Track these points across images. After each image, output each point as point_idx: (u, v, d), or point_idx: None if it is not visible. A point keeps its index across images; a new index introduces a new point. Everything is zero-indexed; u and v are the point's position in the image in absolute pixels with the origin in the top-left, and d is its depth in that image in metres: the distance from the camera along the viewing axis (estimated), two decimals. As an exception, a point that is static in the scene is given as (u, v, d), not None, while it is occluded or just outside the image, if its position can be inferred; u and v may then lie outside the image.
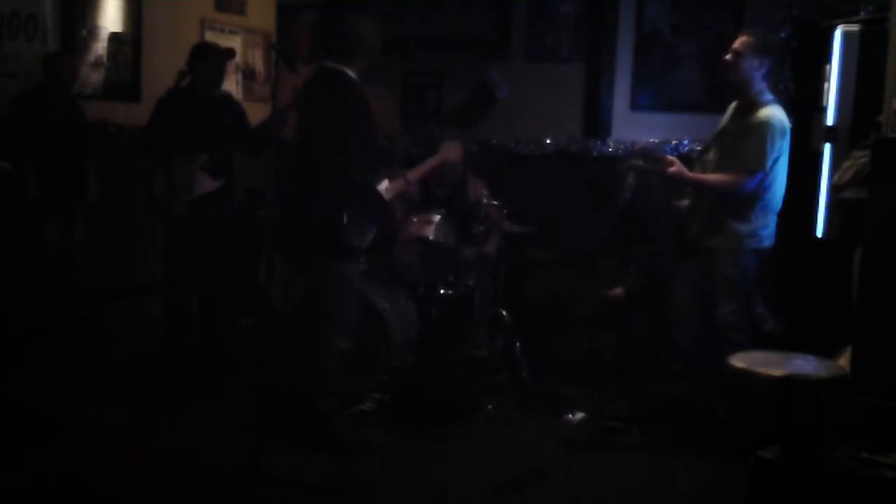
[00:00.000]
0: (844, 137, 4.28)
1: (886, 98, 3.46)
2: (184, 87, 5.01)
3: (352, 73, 4.13)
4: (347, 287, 4.14)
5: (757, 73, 4.27)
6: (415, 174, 4.46)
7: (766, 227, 4.33)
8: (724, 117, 4.46)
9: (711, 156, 4.42)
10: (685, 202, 4.52)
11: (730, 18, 5.69)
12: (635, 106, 5.95)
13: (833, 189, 4.03)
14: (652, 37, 5.89)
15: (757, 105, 4.26)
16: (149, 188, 4.96)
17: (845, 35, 4.32)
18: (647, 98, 5.90)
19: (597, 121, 6.02)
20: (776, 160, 4.24)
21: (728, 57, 4.28)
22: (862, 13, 4.64)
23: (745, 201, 4.26)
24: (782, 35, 5.49)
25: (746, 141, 4.20)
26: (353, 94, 4.05)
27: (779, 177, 4.30)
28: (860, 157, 3.68)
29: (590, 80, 6.04)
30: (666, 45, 5.82)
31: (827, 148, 4.36)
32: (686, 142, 5.51)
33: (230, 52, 5.21)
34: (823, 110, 4.48)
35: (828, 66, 4.48)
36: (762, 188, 4.26)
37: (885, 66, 3.47)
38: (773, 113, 4.24)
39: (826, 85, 4.48)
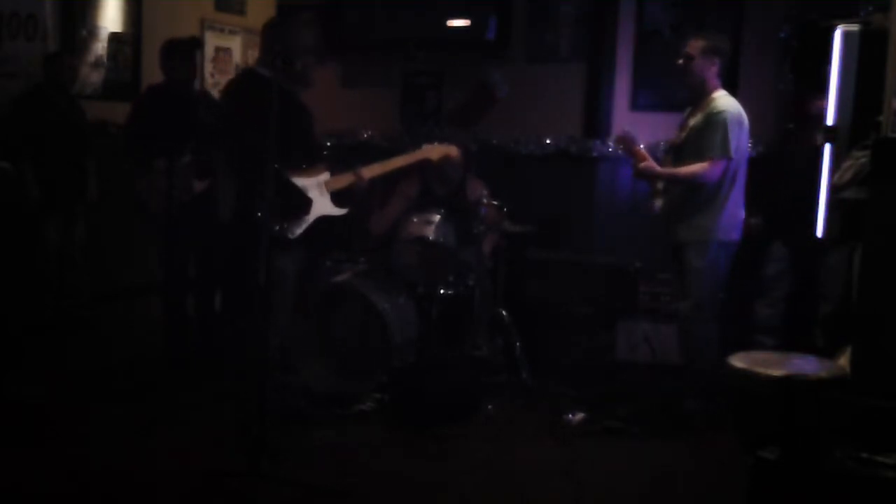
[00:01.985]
0: (844, 137, 4.28)
1: (886, 98, 3.46)
2: (160, 85, 5.02)
3: (266, 73, 4.12)
4: (279, 282, 4.13)
5: (709, 73, 4.46)
6: (371, 171, 4.50)
7: (732, 219, 4.45)
8: (685, 118, 4.61)
9: (675, 153, 4.56)
10: (658, 203, 4.57)
11: (730, 18, 5.69)
12: (635, 106, 5.95)
13: (833, 189, 4.03)
14: (652, 37, 5.89)
15: (712, 99, 4.45)
16: (136, 190, 4.97)
17: (845, 35, 4.32)
18: (647, 98, 5.90)
19: (597, 121, 6.01)
20: (737, 150, 4.40)
21: (680, 61, 4.49)
22: (862, 13, 4.64)
23: (713, 193, 4.39)
24: (782, 35, 5.50)
25: (708, 132, 4.37)
26: (263, 94, 3.94)
27: (742, 169, 4.46)
28: (860, 157, 3.68)
29: (590, 80, 6.04)
30: (666, 45, 5.81)
31: (827, 148, 4.36)
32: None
33: (194, 42, 5.20)
34: (823, 110, 4.48)
35: (827, 66, 4.49)
36: (726, 179, 4.41)
37: (886, 66, 3.47)
38: (729, 103, 4.43)
39: (826, 85, 4.48)
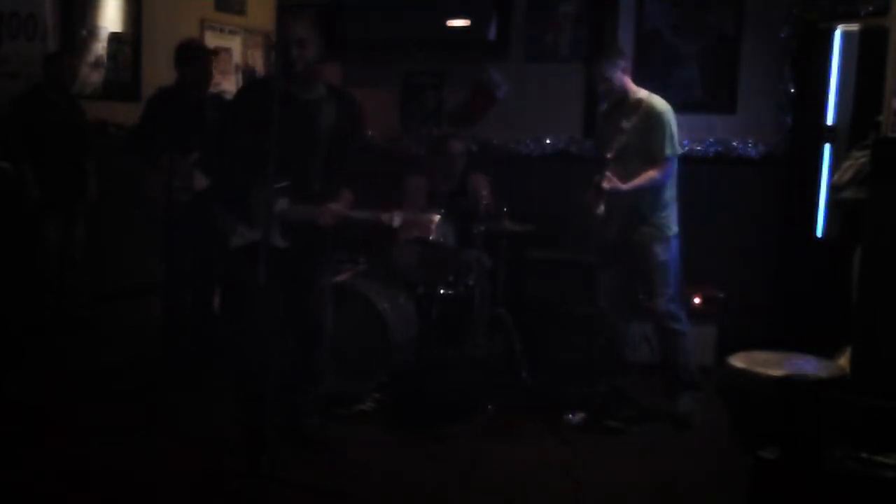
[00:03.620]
0: (844, 137, 4.29)
1: (886, 98, 3.47)
2: (172, 86, 5.03)
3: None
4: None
5: (625, 75, 4.54)
6: (336, 213, 3.83)
7: (675, 213, 4.58)
8: (607, 119, 4.68)
9: (617, 158, 4.56)
10: (601, 209, 4.58)
11: (730, 18, 5.69)
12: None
13: (833, 189, 4.04)
14: (652, 37, 5.89)
15: (641, 101, 4.50)
16: (142, 188, 4.96)
17: (845, 35, 4.33)
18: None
19: (597, 121, 6.00)
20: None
21: (602, 87, 4.58)
22: (861, 13, 4.65)
23: (664, 191, 4.49)
24: (782, 35, 5.50)
25: (653, 134, 4.43)
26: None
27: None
28: (860, 157, 3.68)
29: (589, 80, 6.02)
30: (666, 45, 5.81)
31: (827, 148, 4.37)
32: (686, 142, 5.50)
33: (215, 52, 5.26)
34: (823, 110, 4.49)
35: (828, 66, 4.50)
36: (675, 175, 4.53)
37: (886, 66, 3.47)
38: (661, 102, 4.48)
39: (826, 85, 4.50)
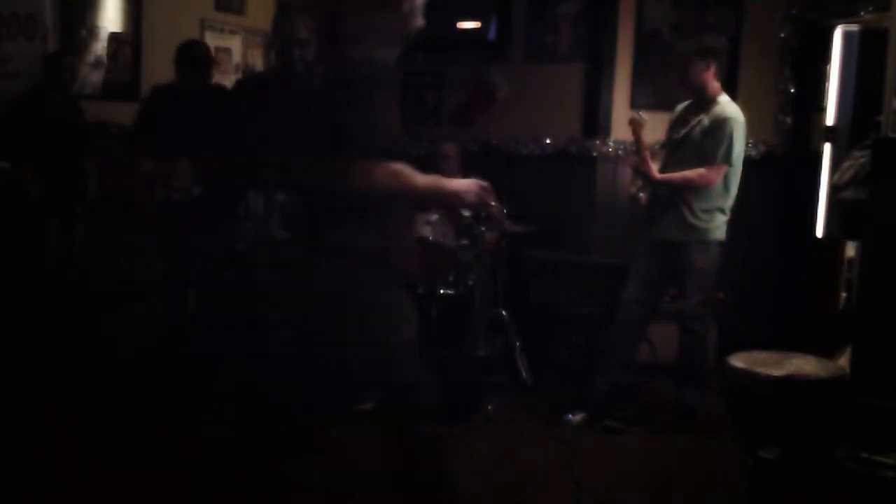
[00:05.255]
0: (844, 137, 4.29)
1: (886, 98, 3.46)
2: (169, 84, 5.02)
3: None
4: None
5: (707, 75, 4.51)
6: None
7: (725, 221, 4.56)
8: (680, 114, 4.69)
9: (673, 151, 4.62)
10: (642, 193, 4.62)
11: (730, 18, 5.68)
12: (635, 106, 5.93)
13: (833, 189, 4.03)
14: (652, 37, 5.89)
15: (718, 104, 4.51)
16: (142, 186, 4.96)
17: (845, 35, 4.32)
18: (647, 98, 5.89)
19: (596, 121, 6.01)
20: (738, 157, 4.51)
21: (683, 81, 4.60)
22: (862, 13, 4.65)
23: (711, 196, 4.47)
24: (782, 35, 5.50)
25: (713, 137, 4.44)
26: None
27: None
28: (860, 157, 3.68)
29: (589, 80, 6.04)
30: (666, 45, 5.82)
31: (827, 148, 4.37)
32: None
33: (216, 61, 5.25)
34: (823, 110, 4.49)
35: (827, 66, 4.49)
36: (731, 183, 4.52)
37: (886, 66, 3.47)
38: (735, 110, 4.51)
39: (826, 85, 4.49)
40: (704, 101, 4.53)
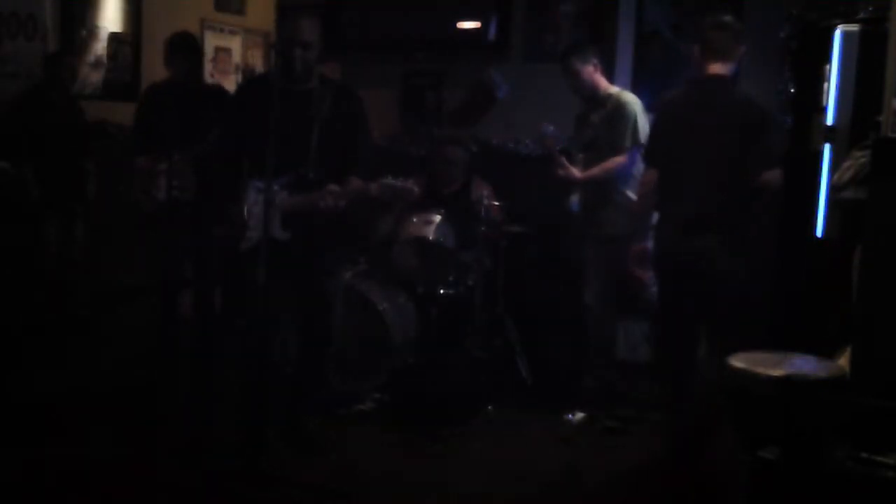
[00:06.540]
0: (844, 137, 4.29)
1: (886, 98, 3.46)
2: (164, 82, 5.01)
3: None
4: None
5: (596, 72, 4.74)
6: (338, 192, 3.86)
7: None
8: (582, 117, 4.85)
9: (587, 152, 4.75)
10: (575, 199, 4.79)
11: (730, 18, 5.68)
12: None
13: (833, 189, 4.03)
14: (652, 37, 5.88)
15: (610, 95, 4.70)
16: (144, 186, 4.95)
17: (845, 35, 4.32)
18: (648, 98, 5.88)
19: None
20: None
21: (571, 83, 4.80)
22: (862, 13, 4.64)
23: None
24: (782, 35, 5.50)
25: (619, 124, 4.61)
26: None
27: None
28: (860, 157, 3.67)
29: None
30: (666, 45, 5.81)
31: (827, 148, 4.37)
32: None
33: (193, 40, 5.17)
34: (823, 110, 4.49)
35: (827, 66, 4.49)
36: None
37: (885, 66, 3.47)
38: (629, 95, 4.71)
39: (826, 85, 4.49)
40: (599, 99, 4.69)
